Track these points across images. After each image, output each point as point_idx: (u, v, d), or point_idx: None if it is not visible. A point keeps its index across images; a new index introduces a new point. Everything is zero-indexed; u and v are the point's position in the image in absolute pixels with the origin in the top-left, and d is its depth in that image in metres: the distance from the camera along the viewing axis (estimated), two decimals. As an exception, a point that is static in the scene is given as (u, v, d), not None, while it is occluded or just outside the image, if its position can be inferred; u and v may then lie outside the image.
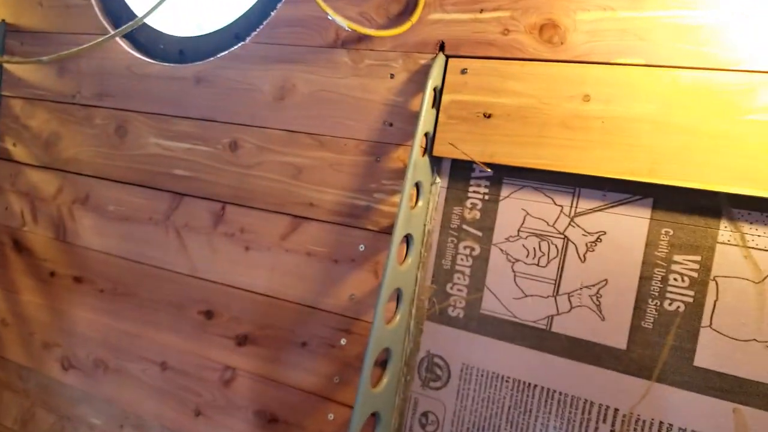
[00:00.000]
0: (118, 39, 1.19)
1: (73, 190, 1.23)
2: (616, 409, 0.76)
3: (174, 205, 1.10)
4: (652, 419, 0.74)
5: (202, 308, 1.05)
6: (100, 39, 1.14)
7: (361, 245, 0.92)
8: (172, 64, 1.12)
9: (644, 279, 0.75)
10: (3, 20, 1.34)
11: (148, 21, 1.18)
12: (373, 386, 0.84)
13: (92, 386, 1.17)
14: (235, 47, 1.05)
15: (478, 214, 0.86)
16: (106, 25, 1.21)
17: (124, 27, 1.13)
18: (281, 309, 0.98)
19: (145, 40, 1.19)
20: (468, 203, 0.87)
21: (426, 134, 0.86)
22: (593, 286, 0.78)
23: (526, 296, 0.82)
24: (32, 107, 1.29)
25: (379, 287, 0.79)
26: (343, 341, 0.92)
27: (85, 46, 1.17)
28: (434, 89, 0.85)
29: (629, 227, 0.76)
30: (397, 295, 0.86)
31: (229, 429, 1.01)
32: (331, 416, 0.92)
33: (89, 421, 1.17)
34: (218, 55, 1.06)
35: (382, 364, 0.87)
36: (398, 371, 0.89)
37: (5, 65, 1.34)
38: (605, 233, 0.78)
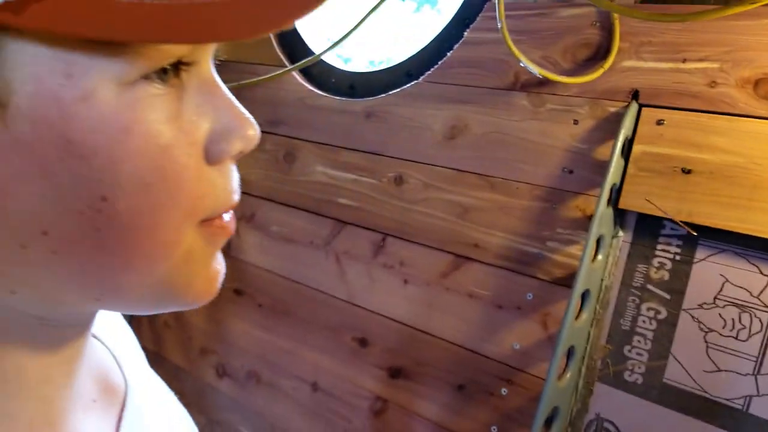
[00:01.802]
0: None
1: (240, 208, 1.32)
2: None
3: (336, 231, 1.14)
4: None
5: (356, 335, 1.08)
6: (279, 71, 1.23)
7: (529, 294, 0.90)
8: (342, 98, 1.17)
9: None
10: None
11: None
12: (536, 444, 0.81)
13: (243, 396, 1.24)
14: (407, 85, 1.07)
15: (666, 275, 0.80)
16: (282, 58, 1.30)
17: (301, 62, 1.21)
18: (438, 348, 0.97)
19: (318, 73, 1.26)
20: (655, 262, 0.81)
21: (612, 185, 0.82)
22: (809, 370, 0.70)
23: (720, 370, 0.75)
24: (209, 129, 1.42)
25: (555, 344, 0.76)
26: (504, 391, 0.90)
27: (263, 77, 1.27)
28: (624, 139, 0.82)
29: None
30: (569, 352, 0.83)
31: (375, 460, 1.03)
32: (485, 466, 0.90)
33: (238, 429, 1.24)
34: (389, 92, 1.10)
35: (546, 422, 0.83)
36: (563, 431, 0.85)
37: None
38: (827, 313, 0.69)
